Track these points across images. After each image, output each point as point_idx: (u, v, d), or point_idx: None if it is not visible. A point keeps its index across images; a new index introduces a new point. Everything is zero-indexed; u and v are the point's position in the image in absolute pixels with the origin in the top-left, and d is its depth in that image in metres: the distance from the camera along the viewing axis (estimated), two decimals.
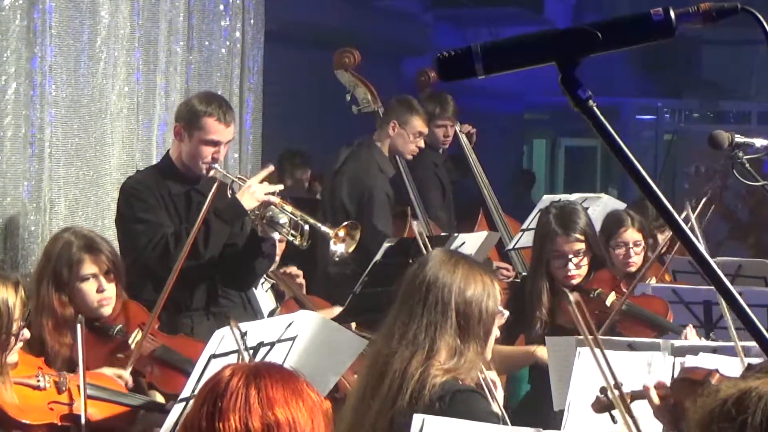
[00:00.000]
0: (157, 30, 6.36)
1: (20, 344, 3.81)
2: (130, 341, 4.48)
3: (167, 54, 6.44)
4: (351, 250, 5.34)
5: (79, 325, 3.91)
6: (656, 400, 3.54)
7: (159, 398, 4.43)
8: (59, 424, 3.91)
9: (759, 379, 1.92)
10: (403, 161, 7.17)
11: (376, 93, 7.30)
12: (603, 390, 3.66)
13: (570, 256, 5.13)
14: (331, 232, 5.25)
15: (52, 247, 4.50)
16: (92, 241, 4.49)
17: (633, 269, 5.60)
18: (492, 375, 3.72)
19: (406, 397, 3.37)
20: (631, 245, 5.66)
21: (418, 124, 6.98)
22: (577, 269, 5.15)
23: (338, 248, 5.28)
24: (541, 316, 5.13)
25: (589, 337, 3.52)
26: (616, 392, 3.43)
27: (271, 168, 5.30)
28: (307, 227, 5.20)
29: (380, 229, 6.59)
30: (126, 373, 4.32)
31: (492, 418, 3.43)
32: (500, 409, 3.65)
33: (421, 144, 7.06)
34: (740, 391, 1.89)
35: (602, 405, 3.67)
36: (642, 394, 3.59)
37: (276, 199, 5.13)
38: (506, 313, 3.65)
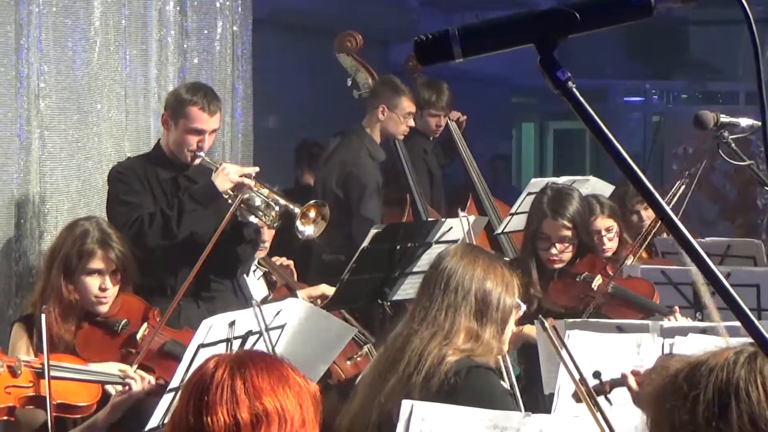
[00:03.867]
0: (146, 19, 6.33)
1: None
2: (138, 336, 4.46)
3: (158, 43, 6.41)
4: (320, 232, 5.29)
5: (43, 315, 3.92)
6: (635, 386, 3.57)
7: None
8: (19, 406, 3.97)
9: (710, 352, 1.89)
10: (401, 145, 7.11)
11: (378, 78, 7.21)
12: (596, 374, 3.68)
13: (554, 240, 5.16)
14: (298, 210, 5.19)
15: (70, 232, 4.53)
16: (109, 237, 4.49)
17: (608, 254, 5.60)
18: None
19: (422, 374, 3.48)
20: (603, 232, 5.65)
21: (407, 104, 6.87)
22: (560, 254, 5.18)
23: (306, 229, 5.23)
24: (536, 293, 5.15)
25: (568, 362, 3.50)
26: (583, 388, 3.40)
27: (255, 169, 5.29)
28: (278, 208, 5.20)
29: (367, 217, 6.54)
30: (131, 370, 4.24)
31: (507, 398, 3.56)
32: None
33: (412, 123, 6.96)
34: (690, 366, 1.87)
35: (596, 390, 3.68)
36: (621, 382, 3.61)
37: (250, 182, 5.14)
38: (524, 306, 3.73)
